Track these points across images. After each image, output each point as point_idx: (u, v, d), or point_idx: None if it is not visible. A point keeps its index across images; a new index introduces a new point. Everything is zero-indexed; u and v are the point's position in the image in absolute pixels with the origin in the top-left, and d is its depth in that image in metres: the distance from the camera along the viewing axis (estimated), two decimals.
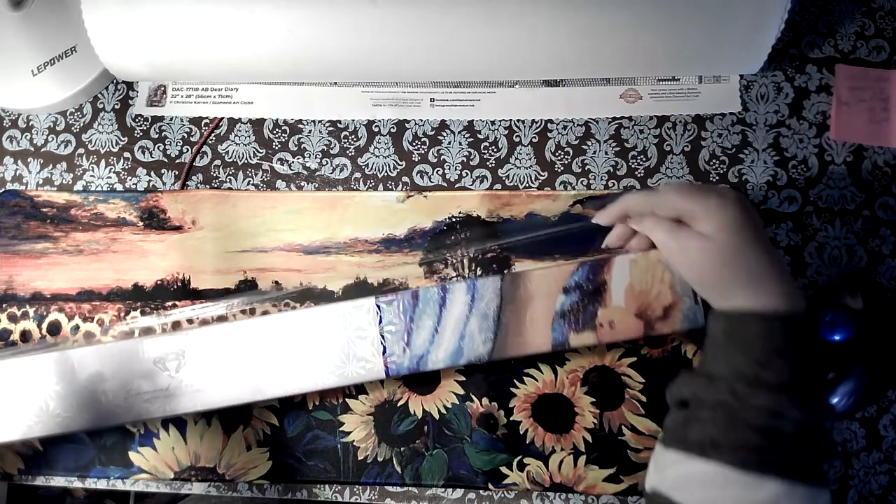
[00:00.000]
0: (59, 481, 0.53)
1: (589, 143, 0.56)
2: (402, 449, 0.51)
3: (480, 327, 0.45)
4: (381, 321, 0.46)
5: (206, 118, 0.59)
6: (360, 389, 0.52)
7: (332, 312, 0.47)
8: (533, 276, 0.45)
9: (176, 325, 0.54)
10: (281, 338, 0.47)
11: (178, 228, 0.56)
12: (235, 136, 0.59)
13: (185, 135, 0.59)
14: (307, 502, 0.51)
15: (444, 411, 0.51)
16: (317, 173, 0.57)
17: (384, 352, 0.46)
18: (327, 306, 0.47)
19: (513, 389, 0.52)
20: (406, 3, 0.51)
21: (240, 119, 0.59)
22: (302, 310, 0.48)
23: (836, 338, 0.49)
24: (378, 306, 0.46)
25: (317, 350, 0.47)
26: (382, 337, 0.46)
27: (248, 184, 0.57)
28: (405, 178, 0.56)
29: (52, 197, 0.58)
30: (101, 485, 0.52)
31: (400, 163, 0.57)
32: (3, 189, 0.59)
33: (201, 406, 0.47)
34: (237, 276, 0.55)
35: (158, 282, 0.55)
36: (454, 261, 0.54)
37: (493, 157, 0.56)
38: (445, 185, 0.56)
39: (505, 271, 0.53)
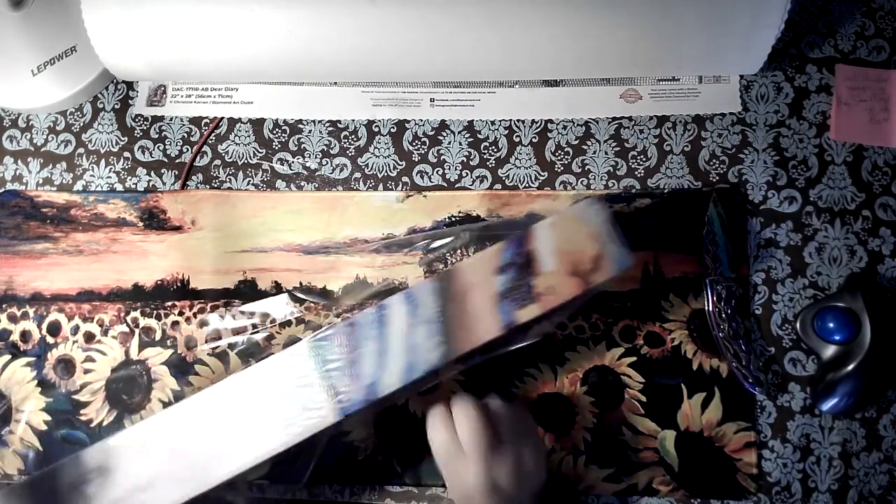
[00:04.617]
0: None
1: (589, 143, 0.56)
2: (402, 449, 0.51)
3: (427, 334, 0.43)
4: (321, 362, 0.43)
5: (206, 118, 0.59)
6: None
7: (268, 368, 0.43)
8: (465, 268, 0.44)
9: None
10: (219, 414, 0.43)
11: (178, 228, 0.56)
12: (235, 136, 0.59)
13: (185, 135, 0.59)
14: (307, 502, 0.51)
15: None
16: (317, 173, 0.57)
17: (332, 393, 0.43)
18: (261, 364, 0.43)
19: (513, 389, 0.52)
20: (406, 3, 0.51)
21: (240, 119, 0.59)
22: (234, 376, 0.43)
23: (836, 338, 0.49)
24: (314, 347, 0.43)
25: (261, 414, 0.43)
26: (327, 378, 0.43)
27: (248, 184, 0.57)
28: (405, 178, 0.56)
29: (52, 197, 0.58)
30: None
31: (400, 163, 0.57)
32: (3, 189, 0.59)
33: None
34: (237, 276, 0.55)
35: (158, 282, 0.55)
36: (454, 261, 0.54)
37: (493, 157, 0.56)
38: (445, 185, 0.56)
39: (437, 270, 0.52)
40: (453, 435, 0.43)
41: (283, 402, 0.43)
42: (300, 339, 0.53)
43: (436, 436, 0.44)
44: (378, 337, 0.43)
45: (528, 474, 0.43)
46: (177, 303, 0.55)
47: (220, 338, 0.54)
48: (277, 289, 0.54)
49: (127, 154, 0.59)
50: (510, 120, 0.57)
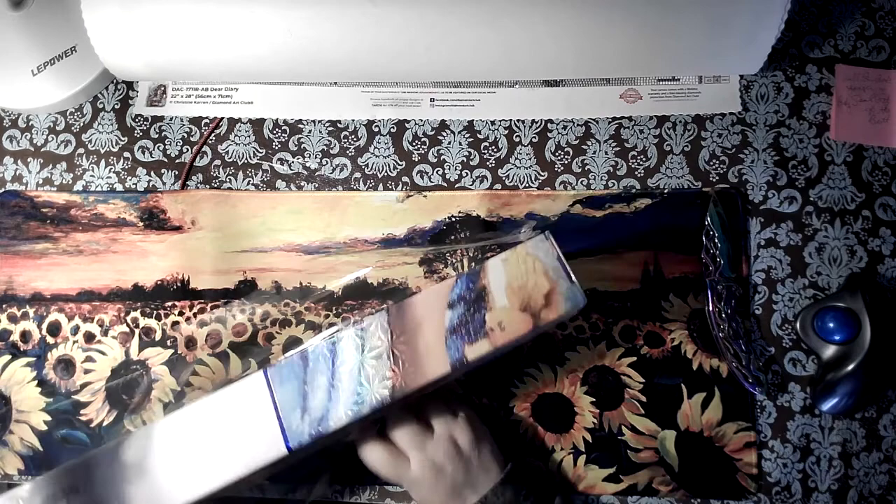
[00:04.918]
0: None
1: (589, 143, 0.56)
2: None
3: (377, 369, 0.43)
4: (271, 393, 0.43)
5: (206, 118, 0.59)
6: None
7: (221, 400, 0.43)
8: (416, 302, 0.44)
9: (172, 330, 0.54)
10: (168, 449, 0.42)
11: (177, 229, 0.56)
12: (235, 136, 0.59)
13: (185, 135, 0.59)
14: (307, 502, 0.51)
15: None
16: (317, 173, 0.57)
17: (280, 426, 0.42)
18: (214, 394, 0.43)
19: (513, 389, 0.52)
20: (406, 3, 0.51)
21: (240, 119, 0.59)
22: (186, 407, 0.43)
23: (836, 338, 0.49)
24: (266, 377, 0.43)
25: (212, 446, 0.42)
26: (276, 409, 0.42)
27: (248, 184, 0.57)
28: (405, 178, 0.56)
29: (52, 197, 0.58)
30: None
31: (400, 163, 0.57)
32: (3, 189, 0.59)
33: None
34: (237, 276, 0.55)
35: (158, 282, 0.55)
36: (454, 261, 0.54)
37: (493, 157, 0.56)
38: (445, 185, 0.56)
39: (387, 304, 0.52)
40: (387, 445, 0.46)
41: (235, 433, 0.42)
42: (300, 339, 0.53)
43: (371, 455, 0.46)
44: (329, 370, 0.43)
45: (465, 447, 0.46)
46: (177, 303, 0.55)
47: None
48: (278, 289, 0.54)
49: (127, 154, 0.59)
50: (510, 120, 0.57)
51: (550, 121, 0.57)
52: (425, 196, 0.55)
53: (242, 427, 0.43)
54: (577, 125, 0.56)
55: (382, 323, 0.43)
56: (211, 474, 0.42)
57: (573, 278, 0.43)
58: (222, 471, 0.42)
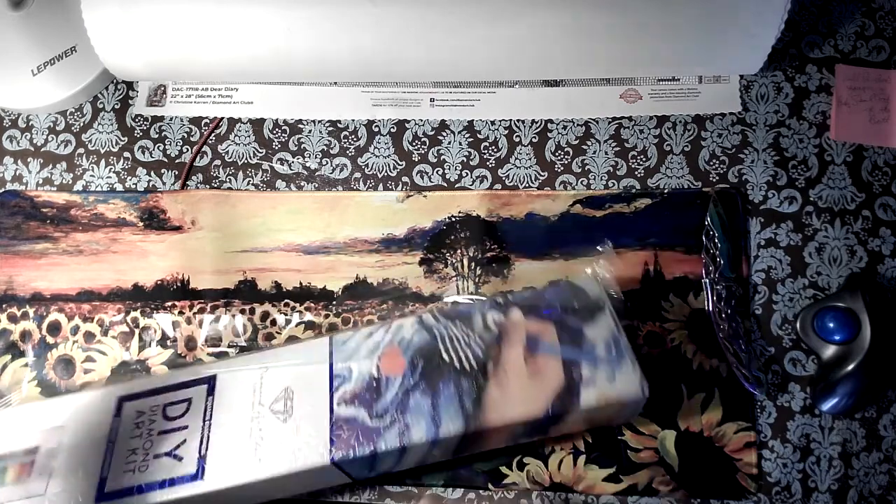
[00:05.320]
0: None
1: (589, 143, 0.56)
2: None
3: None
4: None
5: (206, 118, 0.59)
6: None
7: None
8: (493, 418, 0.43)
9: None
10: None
11: (177, 229, 0.56)
12: (235, 136, 0.59)
13: (185, 135, 0.59)
14: (307, 502, 0.51)
15: None
16: (317, 173, 0.57)
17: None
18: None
19: None
20: (406, 3, 0.51)
21: (240, 119, 0.59)
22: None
23: (836, 338, 0.49)
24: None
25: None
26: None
27: (248, 184, 0.57)
28: (405, 178, 0.56)
29: (52, 197, 0.58)
30: None
31: (400, 163, 0.57)
32: (3, 189, 0.59)
33: None
34: (237, 276, 0.55)
35: (158, 282, 0.55)
36: (454, 261, 0.54)
37: (493, 157, 0.56)
38: (445, 185, 0.56)
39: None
40: None
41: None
42: (298, 338, 0.53)
43: None
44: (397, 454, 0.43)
45: None
46: (177, 303, 0.55)
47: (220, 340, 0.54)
48: (277, 289, 0.54)
49: (127, 154, 0.59)
50: (510, 120, 0.57)
51: (550, 121, 0.57)
52: (425, 196, 0.55)
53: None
54: (577, 125, 0.56)
55: (451, 444, 0.43)
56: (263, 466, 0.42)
57: (640, 409, 0.45)
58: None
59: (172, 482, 0.42)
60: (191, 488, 0.41)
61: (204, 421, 0.43)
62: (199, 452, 0.42)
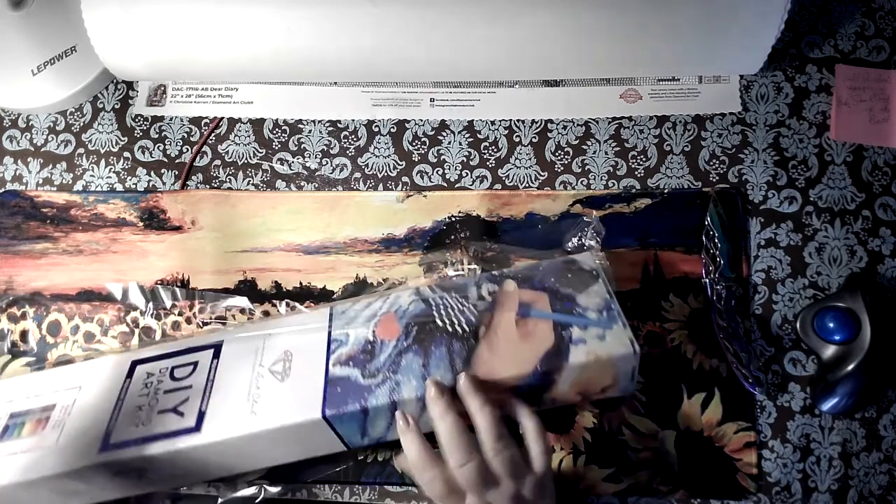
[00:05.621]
0: None
1: (589, 143, 0.56)
2: (401, 449, 0.51)
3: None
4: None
5: (206, 118, 0.59)
6: None
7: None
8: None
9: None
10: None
11: (177, 228, 0.56)
12: (235, 136, 0.59)
13: (185, 135, 0.59)
14: (307, 502, 0.51)
15: None
16: (317, 173, 0.57)
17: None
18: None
19: None
20: (406, 3, 0.51)
21: (240, 119, 0.59)
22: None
23: (836, 338, 0.49)
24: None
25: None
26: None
27: (248, 184, 0.57)
28: (405, 178, 0.56)
29: (52, 197, 0.58)
30: None
31: (400, 163, 0.57)
32: (3, 189, 0.59)
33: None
34: (237, 276, 0.55)
35: (158, 282, 0.55)
36: (454, 260, 0.54)
37: (493, 157, 0.56)
38: (445, 185, 0.56)
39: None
40: (444, 471, 0.41)
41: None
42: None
43: (424, 476, 0.42)
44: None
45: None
46: (177, 303, 0.55)
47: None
48: (277, 289, 0.54)
49: (127, 154, 0.59)
50: (510, 120, 0.57)
51: (550, 121, 0.57)
52: (425, 196, 0.55)
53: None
54: (577, 125, 0.56)
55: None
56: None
57: (636, 378, 0.45)
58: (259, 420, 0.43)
59: (171, 434, 0.43)
60: (188, 440, 0.43)
61: (207, 381, 0.45)
62: (200, 409, 0.44)
